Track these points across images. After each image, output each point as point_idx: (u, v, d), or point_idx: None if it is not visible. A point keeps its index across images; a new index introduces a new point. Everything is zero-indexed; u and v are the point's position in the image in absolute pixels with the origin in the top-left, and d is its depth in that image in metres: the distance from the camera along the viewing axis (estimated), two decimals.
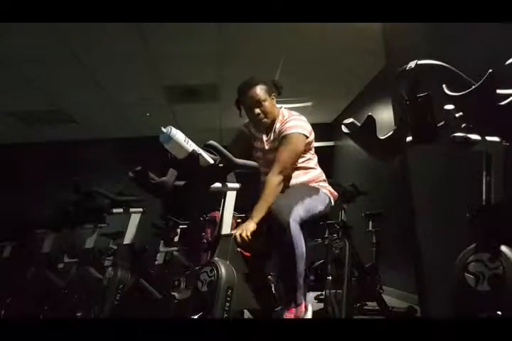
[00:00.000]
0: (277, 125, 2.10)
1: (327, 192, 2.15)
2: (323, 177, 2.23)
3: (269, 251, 2.00)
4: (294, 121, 2.05)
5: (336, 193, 2.23)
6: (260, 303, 1.72)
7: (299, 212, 1.82)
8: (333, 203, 2.17)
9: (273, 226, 1.80)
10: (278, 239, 1.79)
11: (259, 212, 1.80)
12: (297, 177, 2.10)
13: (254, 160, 2.03)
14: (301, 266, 1.81)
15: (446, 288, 1.20)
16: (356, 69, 4.62)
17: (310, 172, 2.16)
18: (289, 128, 2.03)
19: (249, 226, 1.72)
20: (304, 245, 1.82)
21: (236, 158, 1.57)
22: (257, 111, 2.04)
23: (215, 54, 4.09)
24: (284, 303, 1.83)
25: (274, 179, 1.93)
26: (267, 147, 2.13)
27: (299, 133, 2.03)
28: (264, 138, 2.15)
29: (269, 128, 2.14)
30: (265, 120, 2.08)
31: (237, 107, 2.12)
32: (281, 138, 2.02)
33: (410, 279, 2.93)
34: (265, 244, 1.93)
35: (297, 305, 1.80)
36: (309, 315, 1.86)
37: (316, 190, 2.08)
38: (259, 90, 2.04)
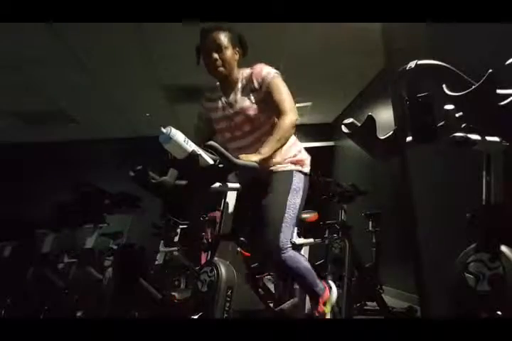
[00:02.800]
0: (242, 82, 1.92)
1: (298, 168, 1.96)
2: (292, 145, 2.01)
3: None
4: (266, 68, 1.90)
5: (306, 158, 2.03)
6: (260, 303, 1.72)
7: (286, 238, 1.78)
8: (308, 171, 2.00)
9: (269, 260, 1.86)
10: (280, 270, 1.93)
11: (267, 151, 1.67)
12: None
13: (218, 133, 1.98)
14: (310, 275, 1.87)
15: (446, 288, 1.20)
16: (356, 70, 4.62)
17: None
18: (268, 73, 1.86)
19: (252, 158, 1.59)
20: (302, 260, 1.85)
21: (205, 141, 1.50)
22: (215, 56, 1.85)
23: None
24: (311, 301, 1.97)
25: (288, 117, 1.77)
26: (233, 109, 1.92)
27: (280, 76, 1.88)
28: (224, 101, 1.96)
29: (228, 88, 1.95)
30: (221, 69, 1.87)
31: (197, 54, 1.92)
32: (268, 84, 1.84)
33: (410, 279, 2.93)
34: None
35: (321, 295, 1.93)
36: (335, 292, 2.02)
37: (288, 178, 1.90)
38: (223, 36, 1.86)
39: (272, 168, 1.92)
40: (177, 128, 1.41)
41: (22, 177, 6.38)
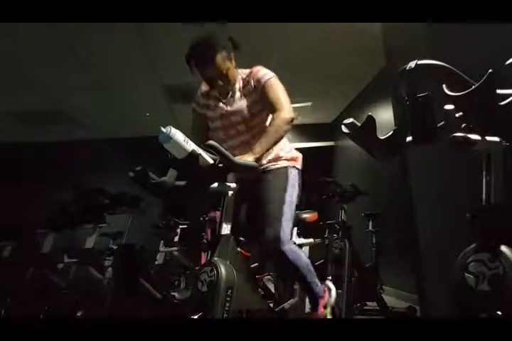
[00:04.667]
0: (240, 83, 1.95)
1: (293, 164, 2.00)
2: (285, 142, 2.04)
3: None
4: (263, 70, 1.92)
5: (299, 155, 2.07)
6: (260, 303, 1.72)
7: (287, 233, 1.79)
8: (300, 167, 2.04)
9: (270, 255, 1.86)
10: (280, 265, 1.90)
11: (260, 151, 1.67)
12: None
13: (213, 131, 2.00)
14: (310, 274, 1.88)
15: (446, 288, 1.20)
16: (356, 69, 4.62)
17: None
18: (264, 75, 1.89)
19: (247, 158, 1.61)
20: (303, 256, 1.86)
21: (204, 141, 1.50)
22: (220, 82, 1.89)
23: None
24: (311, 305, 1.96)
25: (281, 114, 1.76)
26: (229, 108, 1.94)
27: (276, 78, 1.89)
28: (221, 100, 1.98)
29: (225, 88, 1.96)
30: (221, 83, 1.91)
31: (188, 63, 1.87)
32: (263, 86, 1.86)
33: (410, 279, 2.93)
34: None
35: (322, 298, 1.93)
36: (334, 293, 2.01)
37: (284, 174, 1.94)
38: (221, 60, 1.83)
39: (267, 165, 1.95)
40: (177, 128, 1.41)
41: (22, 177, 6.38)
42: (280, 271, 1.98)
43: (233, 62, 1.92)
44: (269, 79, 1.87)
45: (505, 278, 0.97)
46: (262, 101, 1.90)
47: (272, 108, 1.83)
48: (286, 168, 1.97)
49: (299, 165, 2.04)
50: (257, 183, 1.92)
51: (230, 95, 1.96)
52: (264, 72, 1.91)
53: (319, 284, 1.93)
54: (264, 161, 1.92)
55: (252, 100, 1.92)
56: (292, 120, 1.79)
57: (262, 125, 1.94)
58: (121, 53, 4.05)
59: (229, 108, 1.95)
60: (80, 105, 5.40)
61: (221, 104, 1.98)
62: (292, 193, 1.91)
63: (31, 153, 6.50)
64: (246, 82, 1.94)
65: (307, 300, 2.04)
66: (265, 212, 1.83)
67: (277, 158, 1.98)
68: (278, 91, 1.85)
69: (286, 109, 1.79)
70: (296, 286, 2.11)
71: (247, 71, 1.97)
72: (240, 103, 1.93)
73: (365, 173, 5.09)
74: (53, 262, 3.69)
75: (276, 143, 1.77)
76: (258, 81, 1.89)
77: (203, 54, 1.84)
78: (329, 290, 2.01)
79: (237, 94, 1.95)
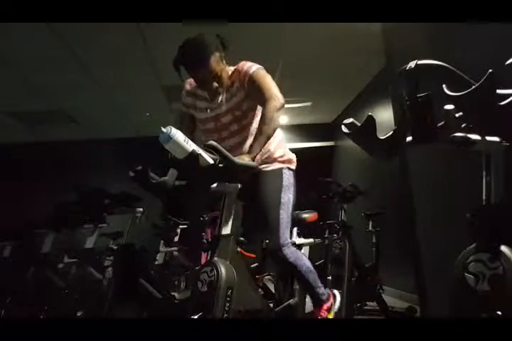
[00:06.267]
0: (227, 82, 1.88)
1: (287, 166, 1.97)
2: (279, 142, 2.00)
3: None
4: (248, 63, 1.86)
5: (293, 157, 2.03)
6: (260, 303, 1.72)
7: (285, 237, 1.83)
8: (294, 168, 2.01)
9: (271, 258, 1.94)
10: (282, 268, 1.99)
11: (257, 149, 1.64)
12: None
13: (205, 133, 1.97)
14: (311, 275, 1.91)
15: (446, 288, 1.20)
16: (356, 70, 4.62)
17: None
18: (249, 68, 1.82)
19: (245, 158, 1.59)
20: (303, 257, 1.91)
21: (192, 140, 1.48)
22: (215, 84, 1.82)
23: None
24: (314, 306, 2.00)
25: (270, 105, 1.69)
26: (220, 110, 1.89)
27: (263, 69, 1.83)
28: (210, 102, 1.93)
29: (216, 92, 1.90)
30: (216, 85, 1.84)
31: (175, 67, 1.82)
32: (249, 78, 1.79)
33: (410, 279, 2.93)
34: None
35: (325, 301, 1.98)
36: (338, 300, 2.10)
37: (279, 176, 1.91)
38: (215, 63, 1.77)
39: (261, 167, 1.90)
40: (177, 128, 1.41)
41: (22, 177, 6.38)
42: (282, 273, 2.04)
43: (224, 61, 1.85)
44: (254, 70, 1.80)
45: (505, 278, 0.97)
46: (250, 95, 1.83)
47: (260, 98, 1.76)
48: (280, 169, 1.94)
49: (293, 166, 2.01)
50: (252, 184, 1.87)
51: (219, 96, 1.90)
52: (249, 65, 1.84)
53: (322, 287, 1.97)
54: (258, 160, 1.91)
55: (241, 97, 1.86)
56: (283, 106, 1.73)
57: (254, 123, 1.88)
58: (121, 53, 4.05)
59: (219, 109, 1.90)
60: (80, 105, 5.40)
61: (211, 106, 1.92)
62: (288, 195, 1.90)
63: (31, 153, 6.50)
64: (233, 80, 1.87)
65: (307, 300, 2.04)
66: (262, 217, 1.85)
67: (272, 160, 1.95)
68: (264, 80, 1.78)
69: (274, 96, 1.72)
70: (296, 286, 2.11)
71: (233, 68, 1.90)
72: (230, 103, 1.88)
73: (365, 173, 5.09)
74: (53, 262, 3.69)
75: (271, 135, 1.73)
76: (244, 76, 1.82)
77: (197, 57, 1.77)
78: (334, 296, 2.08)
79: (225, 95, 1.89)
